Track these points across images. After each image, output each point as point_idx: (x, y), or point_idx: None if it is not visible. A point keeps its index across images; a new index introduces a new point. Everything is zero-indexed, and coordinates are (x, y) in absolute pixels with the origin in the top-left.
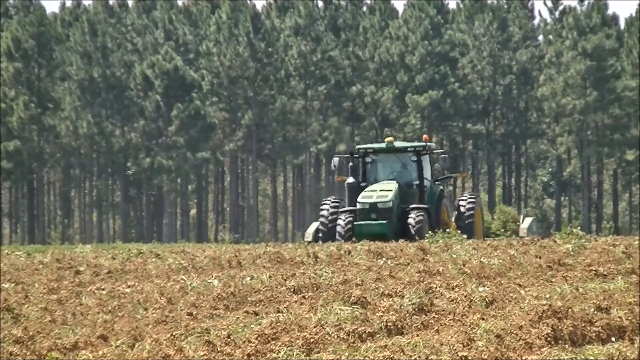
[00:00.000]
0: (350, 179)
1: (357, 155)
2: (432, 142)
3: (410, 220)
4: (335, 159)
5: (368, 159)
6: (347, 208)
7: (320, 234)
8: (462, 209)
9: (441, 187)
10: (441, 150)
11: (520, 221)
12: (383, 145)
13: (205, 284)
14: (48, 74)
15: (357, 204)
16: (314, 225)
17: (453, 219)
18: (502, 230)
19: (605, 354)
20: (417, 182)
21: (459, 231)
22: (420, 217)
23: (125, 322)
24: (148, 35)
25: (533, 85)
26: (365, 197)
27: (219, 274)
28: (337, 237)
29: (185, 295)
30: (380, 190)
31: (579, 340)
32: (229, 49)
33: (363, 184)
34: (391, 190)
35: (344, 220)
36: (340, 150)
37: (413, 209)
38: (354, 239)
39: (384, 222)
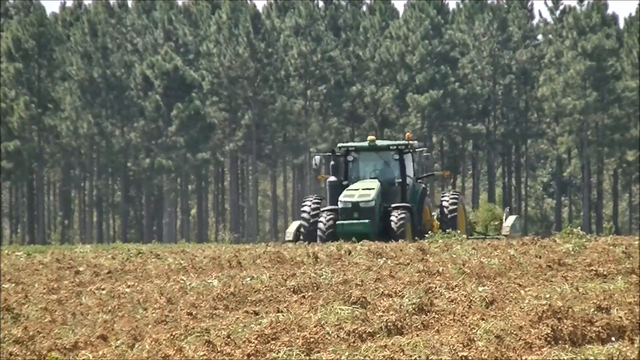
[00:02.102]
0: (332, 178)
1: (338, 154)
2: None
3: (393, 220)
4: (317, 157)
5: (350, 157)
6: (328, 207)
7: (301, 234)
8: (445, 207)
9: (423, 186)
10: (424, 148)
11: (504, 219)
12: (365, 143)
13: (205, 284)
14: (48, 74)
15: (339, 202)
16: (295, 224)
17: (436, 218)
18: (485, 228)
19: (605, 354)
20: (400, 180)
21: (442, 230)
22: (403, 216)
23: (125, 322)
24: (148, 36)
25: (533, 85)
26: (347, 196)
27: (219, 274)
28: (319, 236)
29: (185, 295)
30: (363, 189)
31: (579, 340)
32: (229, 49)
33: (345, 183)
34: (373, 189)
35: (326, 220)
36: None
37: (395, 207)
38: (353, 238)
39: (367, 221)
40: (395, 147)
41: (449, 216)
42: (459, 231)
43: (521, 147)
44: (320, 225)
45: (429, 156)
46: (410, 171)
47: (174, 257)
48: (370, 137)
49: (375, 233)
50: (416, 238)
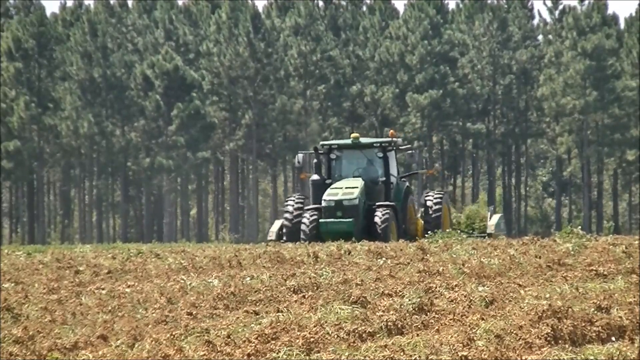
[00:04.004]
0: (315, 176)
1: (321, 152)
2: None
3: (377, 218)
4: (300, 156)
5: (333, 156)
6: (311, 206)
7: (284, 233)
8: (429, 205)
9: (407, 184)
10: (408, 146)
11: (488, 218)
12: (348, 141)
13: (205, 283)
14: (48, 74)
15: (322, 201)
16: (278, 224)
17: (419, 216)
18: (470, 228)
19: (605, 353)
20: (383, 178)
21: (426, 229)
22: (387, 215)
23: (125, 322)
24: (148, 35)
25: (533, 85)
26: (331, 195)
27: (219, 273)
28: (302, 235)
29: (185, 295)
30: (346, 188)
31: (579, 340)
32: (229, 49)
33: (328, 181)
34: (357, 187)
35: (309, 218)
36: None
37: (379, 206)
38: (354, 240)
39: (350, 220)
40: (378, 144)
41: (433, 215)
42: (448, 230)
43: (521, 146)
44: (304, 224)
45: (413, 154)
46: (394, 169)
47: (174, 257)
48: (353, 135)
49: (358, 232)
50: (417, 238)
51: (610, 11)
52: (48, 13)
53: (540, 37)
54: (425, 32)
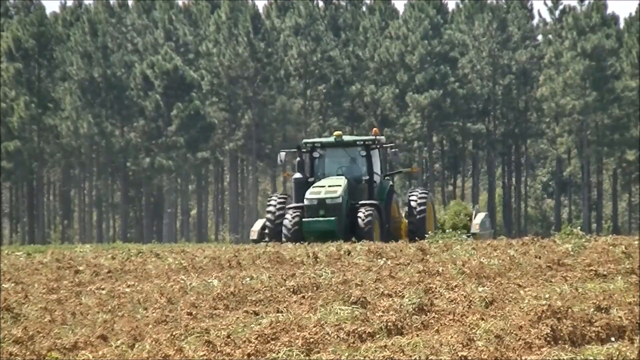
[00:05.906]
0: (298, 175)
1: (304, 150)
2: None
3: (360, 217)
4: (282, 154)
5: (316, 154)
6: (294, 205)
7: (266, 232)
8: (413, 204)
9: (391, 183)
10: (391, 144)
11: (473, 217)
12: (331, 139)
13: (205, 284)
14: (48, 74)
15: (305, 200)
16: (260, 223)
17: (404, 215)
18: (455, 226)
19: (605, 354)
20: (367, 177)
21: (410, 230)
22: (370, 214)
23: (125, 322)
24: (148, 35)
25: (533, 85)
26: (314, 193)
27: (219, 274)
28: (284, 235)
29: (185, 295)
30: (329, 186)
31: (578, 340)
32: (228, 49)
33: (311, 180)
34: (340, 186)
35: (291, 217)
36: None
37: (362, 205)
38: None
39: (333, 218)
40: (362, 142)
41: (417, 217)
42: (429, 233)
43: (521, 147)
44: (286, 223)
45: (396, 152)
46: (377, 167)
47: (174, 257)
48: (336, 133)
49: (341, 231)
50: (417, 239)
51: (610, 11)
52: (48, 13)
53: (540, 37)
54: (425, 32)
